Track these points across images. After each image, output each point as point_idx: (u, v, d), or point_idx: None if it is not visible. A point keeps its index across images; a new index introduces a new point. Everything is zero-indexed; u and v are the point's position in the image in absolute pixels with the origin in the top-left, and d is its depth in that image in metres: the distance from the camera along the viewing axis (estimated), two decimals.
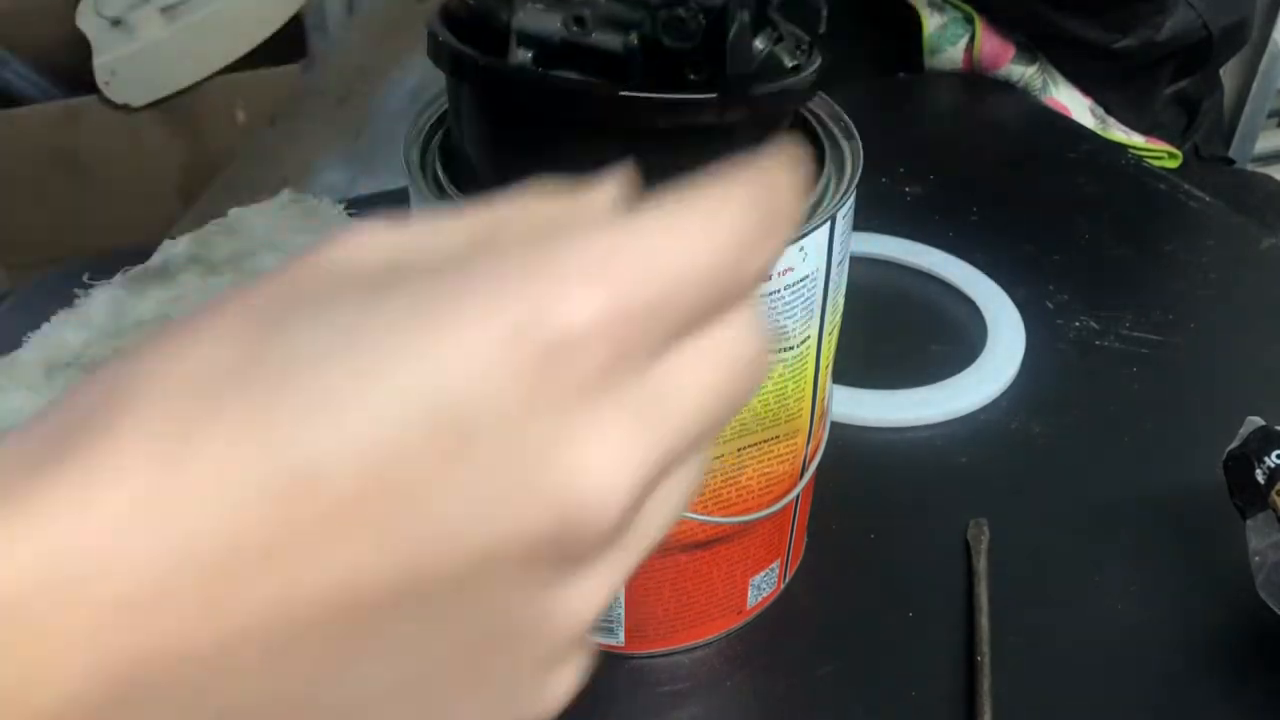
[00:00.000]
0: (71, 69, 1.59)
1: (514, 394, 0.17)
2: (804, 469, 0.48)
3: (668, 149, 0.32)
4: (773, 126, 0.38)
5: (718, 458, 0.43)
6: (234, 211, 0.76)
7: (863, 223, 0.50)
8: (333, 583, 0.16)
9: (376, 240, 0.19)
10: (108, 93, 1.56)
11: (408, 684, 0.18)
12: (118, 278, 0.70)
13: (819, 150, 0.43)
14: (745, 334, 0.20)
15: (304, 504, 0.16)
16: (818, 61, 0.37)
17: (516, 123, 0.36)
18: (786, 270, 0.39)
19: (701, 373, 0.19)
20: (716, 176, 0.19)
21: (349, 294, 0.18)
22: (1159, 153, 1.00)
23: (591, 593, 0.20)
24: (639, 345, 0.18)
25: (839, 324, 0.45)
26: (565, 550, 0.18)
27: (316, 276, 0.18)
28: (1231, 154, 1.18)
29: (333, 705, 0.17)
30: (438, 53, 0.36)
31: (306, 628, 0.16)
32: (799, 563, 0.54)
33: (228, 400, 0.16)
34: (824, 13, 0.36)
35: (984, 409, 0.64)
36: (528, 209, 0.20)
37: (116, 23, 1.58)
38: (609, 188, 0.21)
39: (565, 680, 0.22)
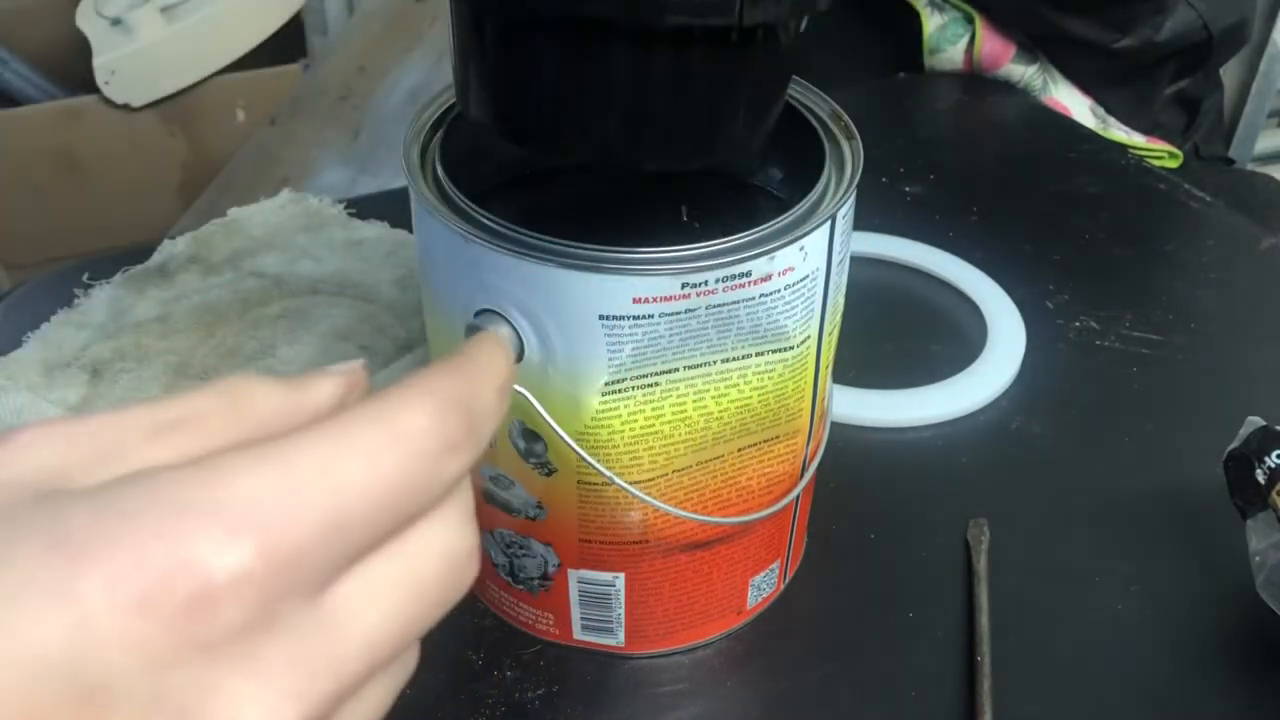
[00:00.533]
0: (71, 69, 1.59)
1: (151, 651, 0.16)
2: (804, 469, 0.48)
3: (678, 57, 0.32)
4: (787, 36, 0.38)
5: (718, 458, 0.43)
6: (234, 211, 0.76)
7: (863, 223, 0.50)
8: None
9: (37, 448, 0.18)
10: (108, 93, 1.56)
11: None
12: (117, 278, 0.70)
13: (819, 150, 0.43)
14: (443, 539, 0.20)
15: None
16: None
17: (527, 23, 0.36)
18: (786, 270, 0.39)
19: (380, 595, 0.19)
20: (414, 380, 0.19)
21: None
22: (1159, 153, 1.00)
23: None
24: (298, 585, 0.18)
25: (839, 324, 0.45)
26: None
27: None
28: (1231, 154, 1.18)
29: None
30: None
31: None
32: (799, 563, 0.54)
33: None
34: None
35: (984, 409, 0.64)
36: (228, 407, 0.19)
37: (116, 23, 1.58)
38: (326, 387, 0.20)
39: None
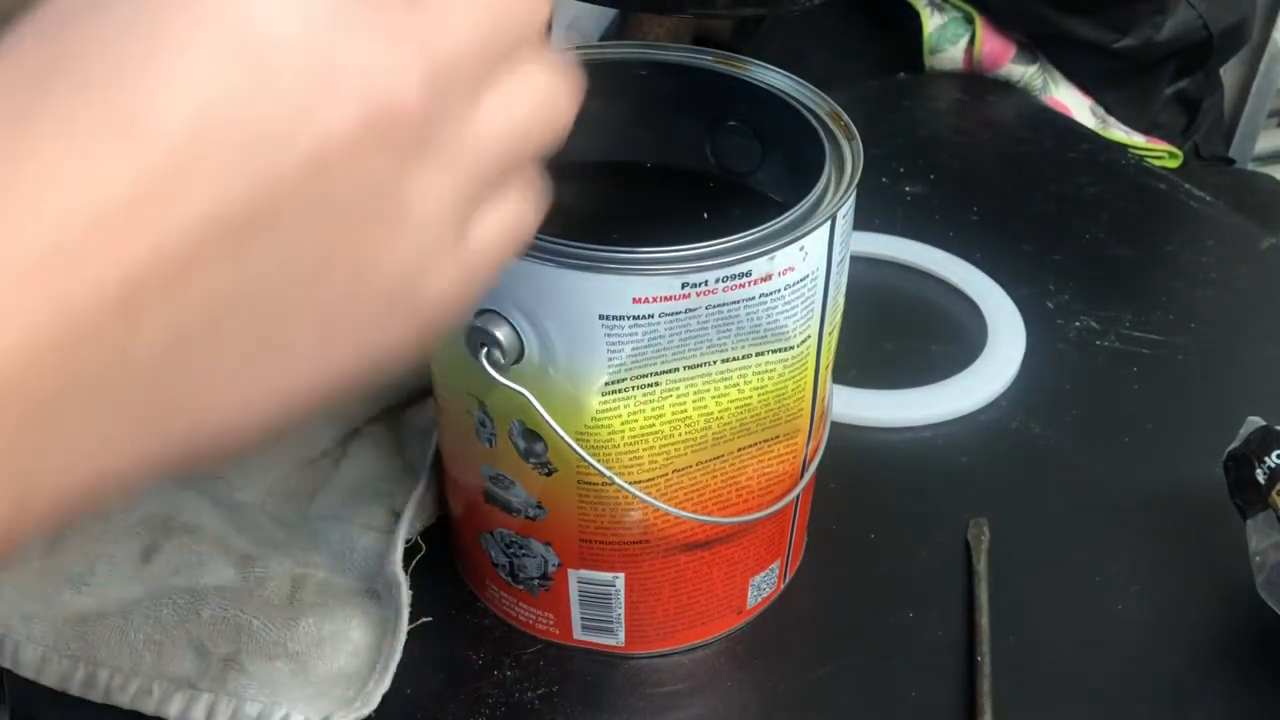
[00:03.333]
0: None
1: (309, 20, 0.19)
2: (804, 469, 0.48)
3: None
4: None
5: (718, 458, 0.43)
6: None
7: (863, 223, 0.50)
8: (197, 215, 0.18)
9: None
10: None
11: (304, 278, 0.20)
12: None
13: (819, 150, 0.43)
14: (546, 72, 0.24)
15: (154, 149, 0.18)
16: None
17: None
18: (786, 270, 0.39)
19: (510, 107, 0.23)
20: None
21: None
22: (1159, 153, 1.00)
23: (436, 184, 0.22)
24: (461, 89, 0.21)
25: (839, 324, 0.45)
26: (385, 136, 0.20)
27: None
28: (1231, 154, 1.18)
29: (242, 311, 0.20)
30: None
31: (188, 259, 0.18)
32: (799, 563, 0.54)
33: (56, 83, 0.18)
34: None
35: (984, 409, 0.64)
36: None
37: None
38: None
39: (445, 280, 0.23)
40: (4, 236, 0.17)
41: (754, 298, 0.39)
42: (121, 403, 0.19)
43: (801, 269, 0.39)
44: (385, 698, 0.46)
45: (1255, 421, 0.51)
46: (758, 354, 0.41)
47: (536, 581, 0.48)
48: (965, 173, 0.87)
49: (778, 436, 0.44)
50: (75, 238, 0.17)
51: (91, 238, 0.17)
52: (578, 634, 0.49)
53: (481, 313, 0.39)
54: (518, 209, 0.25)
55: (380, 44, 0.20)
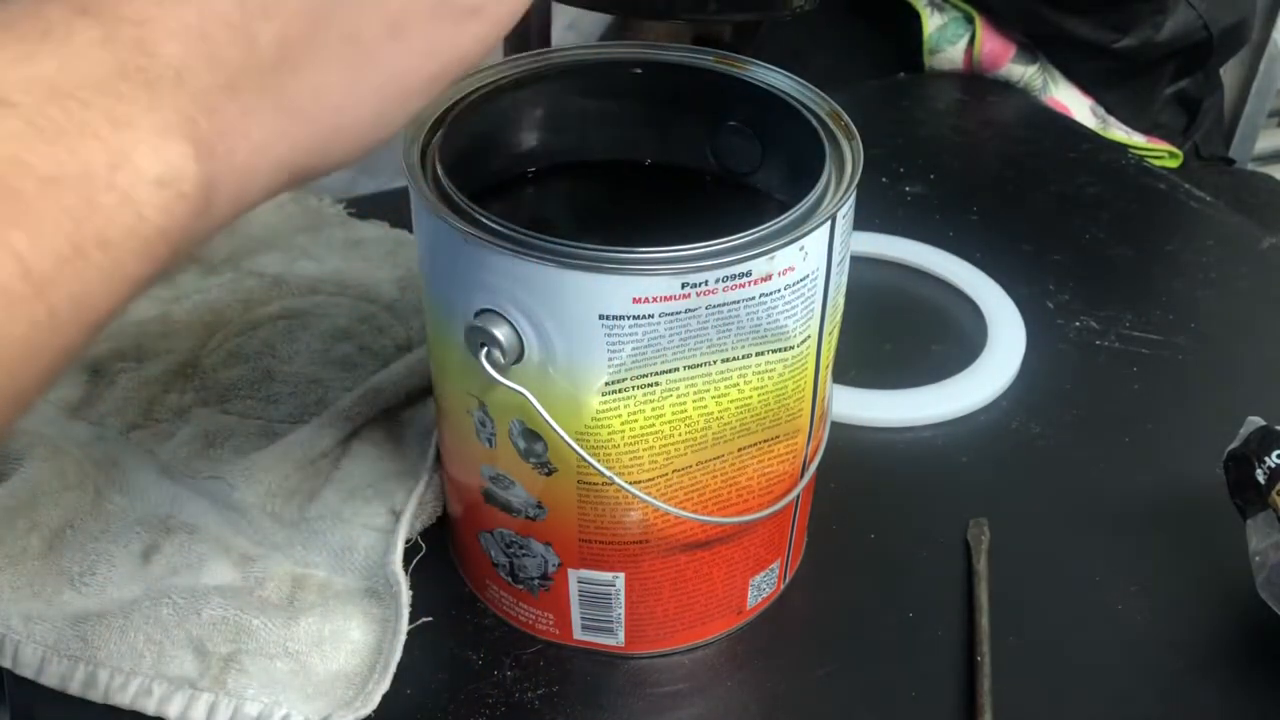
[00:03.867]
0: None
1: None
2: (804, 469, 0.48)
3: None
4: None
5: (718, 458, 0.43)
6: None
7: (863, 223, 0.50)
8: None
9: None
10: None
11: None
12: None
13: (819, 150, 0.43)
14: None
15: None
16: None
17: None
18: (787, 270, 0.39)
19: None
20: None
21: None
22: (1159, 152, 1.00)
23: None
24: None
25: (839, 324, 0.46)
26: None
27: None
28: (1231, 154, 1.18)
29: (328, 18, 0.26)
30: None
31: None
32: (799, 563, 0.54)
33: None
34: None
35: (984, 409, 0.64)
36: None
37: None
38: None
39: None
40: (172, 1, 0.23)
41: (754, 298, 0.39)
42: (258, 97, 0.25)
43: (801, 269, 0.39)
44: (385, 698, 0.46)
45: (1255, 421, 0.51)
46: (758, 354, 0.41)
47: (536, 581, 0.48)
48: (965, 173, 0.87)
49: (778, 436, 0.44)
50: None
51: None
52: (578, 634, 0.49)
53: (481, 313, 0.39)
54: None
55: None
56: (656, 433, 0.41)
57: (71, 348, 0.23)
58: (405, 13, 0.27)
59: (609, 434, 0.41)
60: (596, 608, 0.48)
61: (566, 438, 0.40)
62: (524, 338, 0.39)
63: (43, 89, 0.22)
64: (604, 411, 0.40)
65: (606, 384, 0.39)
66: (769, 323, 0.40)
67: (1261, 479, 0.49)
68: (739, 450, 0.44)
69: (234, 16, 0.24)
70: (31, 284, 0.21)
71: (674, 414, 0.41)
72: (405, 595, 0.49)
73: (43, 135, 0.21)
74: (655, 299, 0.37)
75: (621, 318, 0.38)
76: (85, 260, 0.22)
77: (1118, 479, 0.59)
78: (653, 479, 0.43)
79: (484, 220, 0.38)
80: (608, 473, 0.41)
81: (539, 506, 0.45)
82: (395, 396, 0.59)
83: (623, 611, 0.48)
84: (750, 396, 0.42)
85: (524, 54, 0.49)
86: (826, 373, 0.46)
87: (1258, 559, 0.49)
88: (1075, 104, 0.98)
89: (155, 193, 0.23)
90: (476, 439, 0.44)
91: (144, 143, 0.23)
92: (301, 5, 0.25)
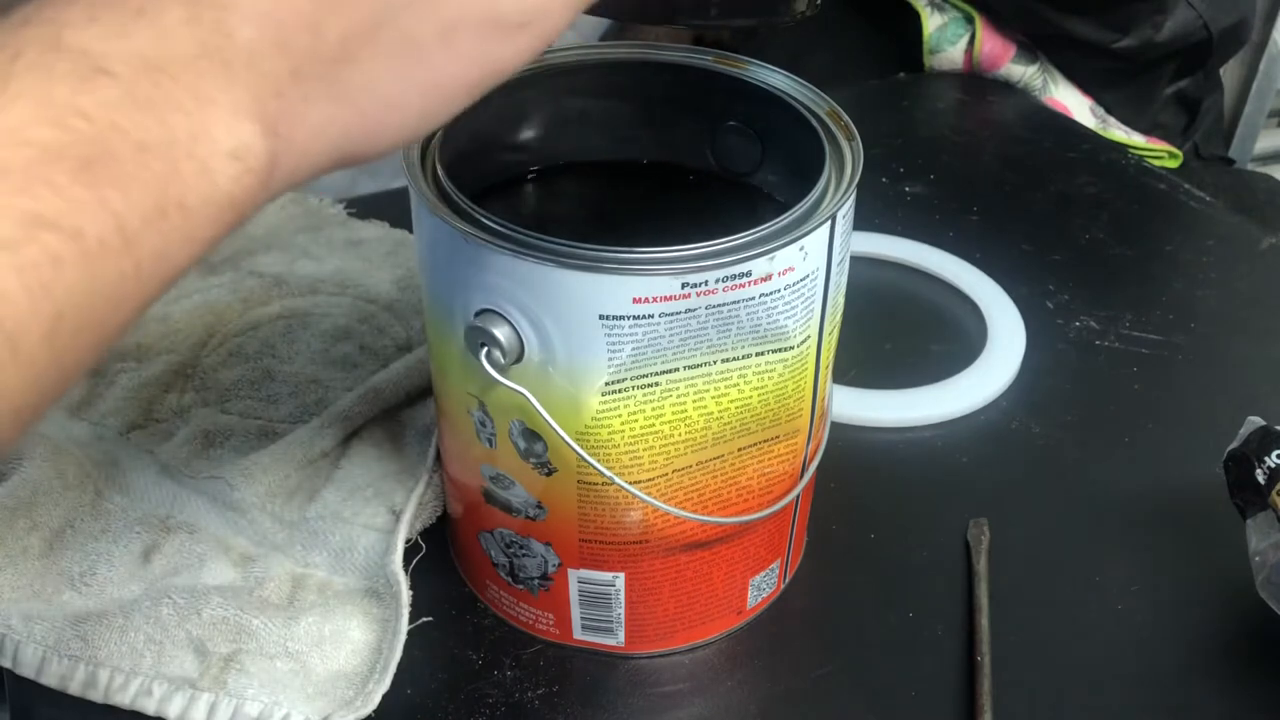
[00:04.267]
0: None
1: None
2: (804, 469, 0.48)
3: None
4: None
5: (718, 458, 0.43)
6: None
7: (863, 223, 0.50)
8: None
9: None
10: None
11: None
12: None
13: (819, 150, 0.43)
14: None
15: None
16: None
17: None
18: (786, 270, 0.39)
19: None
20: None
21: None
22: (1159, 153, 1.00)
23: None
24: None
25: (839, 324, 0.46)
26: None
27: None
28: (1231, 154, 1.18)
29: (387, 19, 0.28)
30: None
31: None
32: (799, 563, 0.54)
33: None
34: None
35: (984, 409, 0.64)
36: None
37: None
38: None
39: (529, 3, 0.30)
40: None
41: (754, 298, 0.39)
42: (318, 85, 0.27)
43: (801, 269, 0.39)
44: (385, 698, 0.46)
45: (1255, 421, 0.51)
46: (758, 354, 0.41)
47: (536, 581, 0.48)
48: (965, 173, 0.87)
49: (778, 436, 0.44)
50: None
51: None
52: (578, 634, 0.49)
53: (481, 313, 0.39)
54: None
55: None
56: (656, 433, 0.41)
57: (148, 301, 0.25)
58: (458, 21, 0.29)
59: (609, 434, 0.41)
60: (596, 608, 0.48)
61: (566, 438, 0.40)
62: (524, 338, 0.39)
63: (138, 62, 0.24)
64: (604, 411, 0.40)
65: (606, 384, 0.39)
66: (769, 323, 0.40)
67: (1261, 479, 0.49)
68: (739, 450, 0.44)
69: (306, 8, 0.26)
70: (124, 238, 0.23)
71: (674, 414, 0.41)
72: (405, 595, 0.49)
73: (137, 104, 0.23)
74: (655, 299, 0.37)
75: (621, 318, 0.38)
76: (167, 221, 0.24)
77: (1118, 479, 0.59)
78: (653, 479, 0.43)
79: (484, 220, 0.38)
80: (608, 473, 0.41)
81: (539, 506, 0.45)
82: (395, 396, 0.59)
83: (623, 611, 0.48)
84: (750, 396, 0.42)
85: None
86: (826, 373, 0.46)
87: (1258, 559, 0.49)
88: (1075, 104, 0.98)
89: (228, 164, 0.25)
90: (476, 439, 0.44)
91: (221, 118, 0.25)
92: (367, 4, 0.27)
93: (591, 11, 0.42)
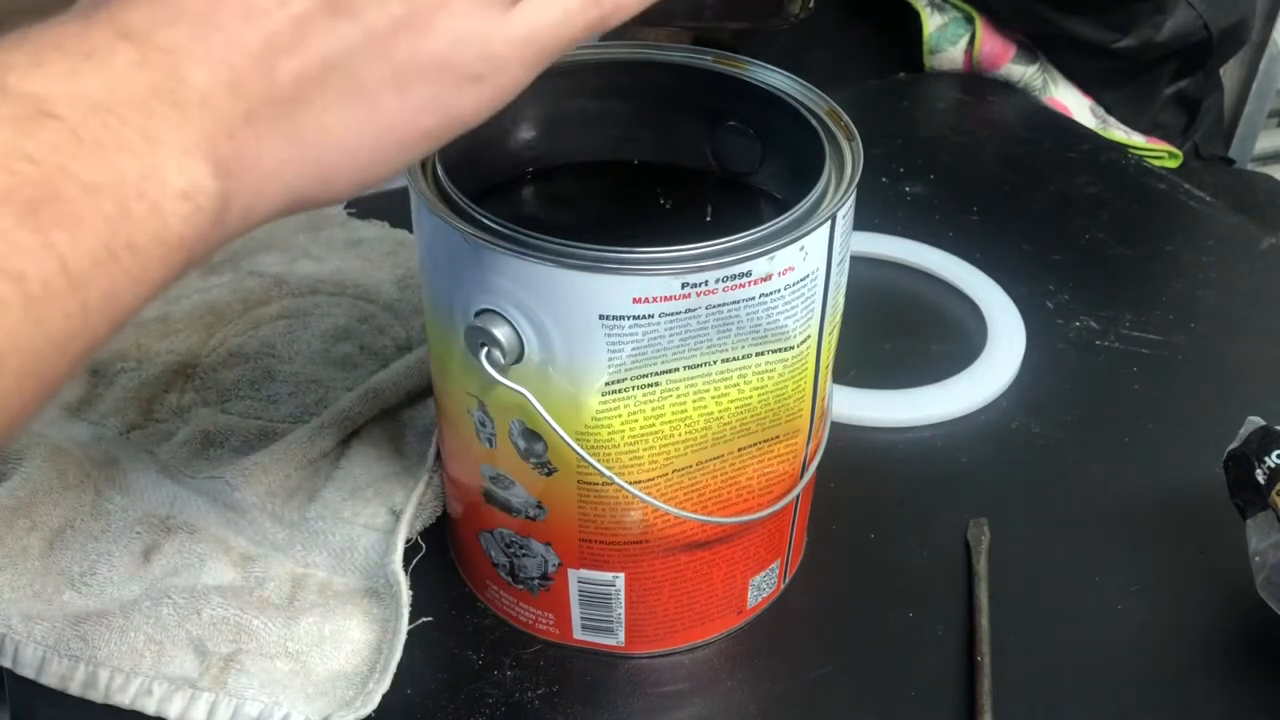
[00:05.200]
0: None
1: None
2: (804, 469, 0.48)
3: None
4: None
5: (718, 458, 0.43)
6: None
7: (863, 223, 0.50)
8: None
9: None
10: None
11: (379, 44, 0.28)
12: None
13: (819, 150, 0.43)
14: None
15: None
16: None
17: None
18: (786, 270, 0.39)
19: None
20: None
21: None
22: (1159, 153, 1.00)
23: None
24: None
25: (839, 324, 0.46)
26: None
27: None
28: (1231, 154, 1.18)
29: (339, 65, 0.28)
30: None
31: (300, 27, 0.27)
32: (799, 563, 0.54)
33: None
34: None
35: (984, 409, 0.64)
36: None
37: None
38: None
39: (493, 48, 0.29)
40: (204, 15, 0.26)
41: (754, 298, 0.39)
42: (270, 126, 0.27)
43: (801, 269, 0.39)
44: (385, 698, 0.46)
45: (1255, 421, 0.51)
46: (758, 354, 0.41)
47: (536, 581, 0.48)
48: (965, 173, 0.87)
49: (778, 436, 0.44)
50: (236, 5, 0.26)
51: (241, 8, 0.26)
52: (578, 634, 0.49)
53: (481, 312, 0.39)
54: None
55: None
56: (656, 433, 0.41)
57: (96, 342, 0.25)
58: (411, 68, 0.29)
59: (609, 434, 0.41)
60: (596, 608, 0.48)
61: (566, 438, 0.40)
62: (524, 338, 0.39)
63: (86, 104, 0.24)
64: (604, 411, 0.40)
65: (606, 384, 0.39)
66: (769, 323, 0.40)
67: (1261, 479, 0.49)
68: (739, 450, 0.44)
69: (257, 50, 0.26)
70: (69, 280, 0.23)
71: (674, 414, 0.41)
72: (405, 595, 0.49)
73: (85, 146, 0.23)
74: (655, 299, 0.37)
75: (621, 318, 0.38)
76: (116, 262, 0.24)
77: (1118, 479, 0.59)
78: (653, 479, 0.43)
79: (484, 220, 0.38)
80: (608, 473, 0.41)
81: (539, 506, 0.45)
82: (395, 396, 0.59)
83: (623, 611, 0.48)
84: (750, 396, 0.42)
85: None
86: (826, 373, 0.46)
87: (1258, 559, 0.49)
88: (1075, 104, 0.98)
89: (178, 204, 0.25)
90: (476, 439, 0.44)
91: (171, 158, 0.25)
92: (318, 47, 0.27)
93: None
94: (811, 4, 0.42)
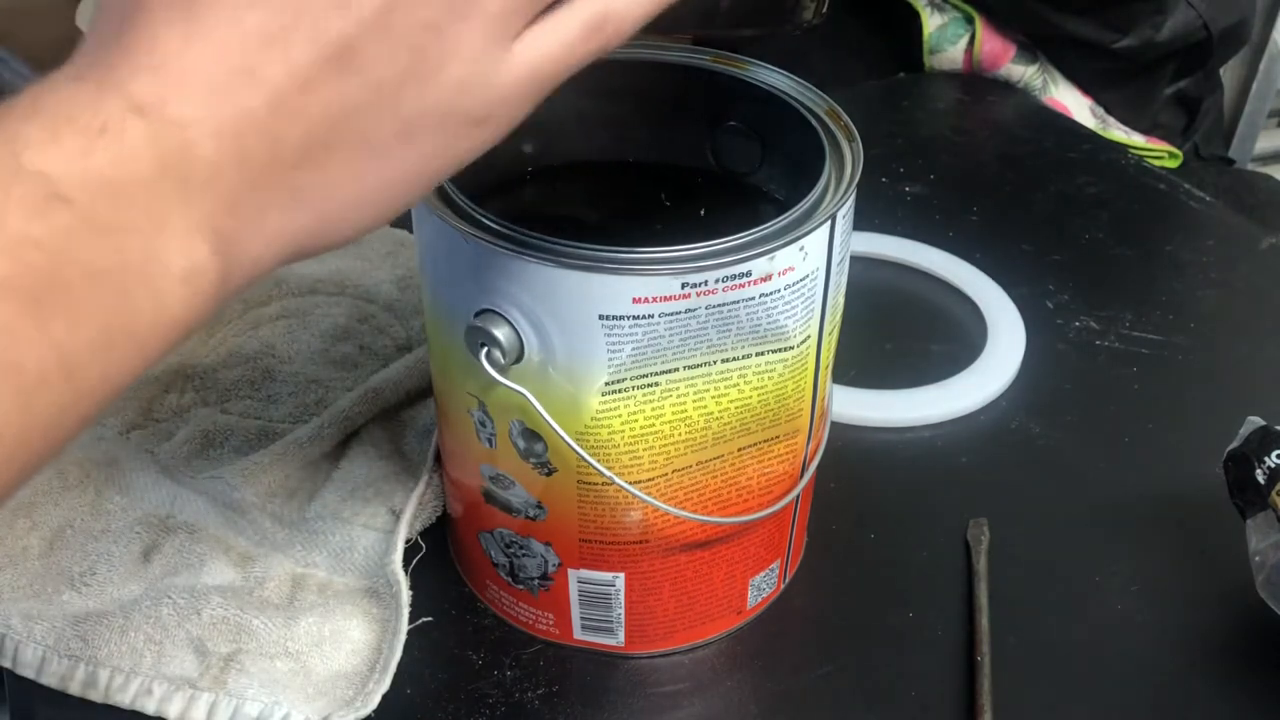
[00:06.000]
0: None
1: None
2: (804, 469, 0.48)
3: None
4: None
5: (718, 458, 0.43)
6: None
7: (863, 223, 0.50)
8: (309, 52, 0.26)
9: None
10: None
11: (387, 95, 0.27)
12: None
13: (819, 150, 0.43)
14: None
15: (273, 10, 0.25)
16: None
17: None
18: (786, 270, 0.39)
19: None
20: None
21: None
22: (1159, 153, 1.00)
23: (482, 11, 0.28)
24: None
25: (839, 324, 0.46)
26: None
27: None
28: (1231, 154, 1.18)
29: (346, 119, 0.27)
30: None
31: (307, 81, 0.26)
32: (799, 563, 0.54)
33: None
34: None
35: (984, 409, 0.64)
36: None
37: None
38: None
39: (496, 91, 0.29)
40: (212, 82, 0.25)
41: (754, 298, 0.39)
42: (275, 194, 0.27)
43: (801, 269, 0.39)
44: (385, 698, 0.46)
45: (1255, 421, 0.51)
46: (758, 354, 0.41)
47: (536, 581, 0.48)
48: (965, 173, 0.87)
49: (778, 436, 0.44)
50: (241, 69, 0.25)
51: (247, 72, 0.25)
52: (578, 634, 0.49)
53: (481, 313, 0.39)
54: (568, 26, 0.29)
55: None
56: (656, 433, 0.41)
57: (87, 421, 0.25)
58: (417, 120, 0.28)
59: (609, 434, 0.41)
60: (596, 608, 0.48)
61: (566, 438, 0.40)
62: (524, 338, 0.39)
63: (97, 185, 0.24)
64: (604, 411, 0.40)
65: (606, 384, 0.39)
66: (769, 323, 0.40)
67: (1261, 479, 0.49)
68: (739, 450, 0.44)
69: (265, 117, 0.26)
70: (65, 371, 0.23)
71: (674, 414, 0.41)
72: (405, 595, 0.49)
73: (93, 230, 0.23)
74: (655, 299, 0.37)
75: (621, 318, 0.38)
76: (112, 349, 0.24)
77: (1118, 479, 0.59)
78: (653, 479, 0.43)
79: (484, 220, 0.39)
80: (608, 473, 0.41)
81: (539, 506, 0.45)
82: (395, 396, 0.59)
83: (623, 611, 0.48)
84: (750, 397, 0.42)
85: None
86: (826, 373, 0.46)
87: (1258, 559, 0.49)
88: (1075, 104, 0.98)
89: (179, 287, 0.25)
90: (476, 439, 0.44)
91: (175, 241, 0.25)
92: (324, 109, 0.27)
93: None
94: (824, 10, 0.42)
